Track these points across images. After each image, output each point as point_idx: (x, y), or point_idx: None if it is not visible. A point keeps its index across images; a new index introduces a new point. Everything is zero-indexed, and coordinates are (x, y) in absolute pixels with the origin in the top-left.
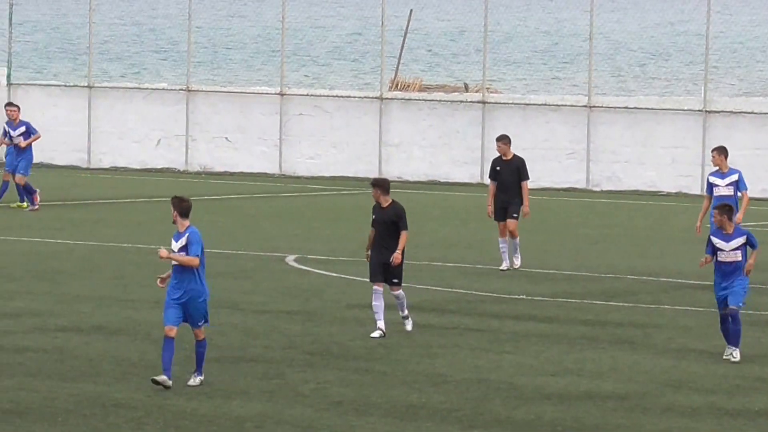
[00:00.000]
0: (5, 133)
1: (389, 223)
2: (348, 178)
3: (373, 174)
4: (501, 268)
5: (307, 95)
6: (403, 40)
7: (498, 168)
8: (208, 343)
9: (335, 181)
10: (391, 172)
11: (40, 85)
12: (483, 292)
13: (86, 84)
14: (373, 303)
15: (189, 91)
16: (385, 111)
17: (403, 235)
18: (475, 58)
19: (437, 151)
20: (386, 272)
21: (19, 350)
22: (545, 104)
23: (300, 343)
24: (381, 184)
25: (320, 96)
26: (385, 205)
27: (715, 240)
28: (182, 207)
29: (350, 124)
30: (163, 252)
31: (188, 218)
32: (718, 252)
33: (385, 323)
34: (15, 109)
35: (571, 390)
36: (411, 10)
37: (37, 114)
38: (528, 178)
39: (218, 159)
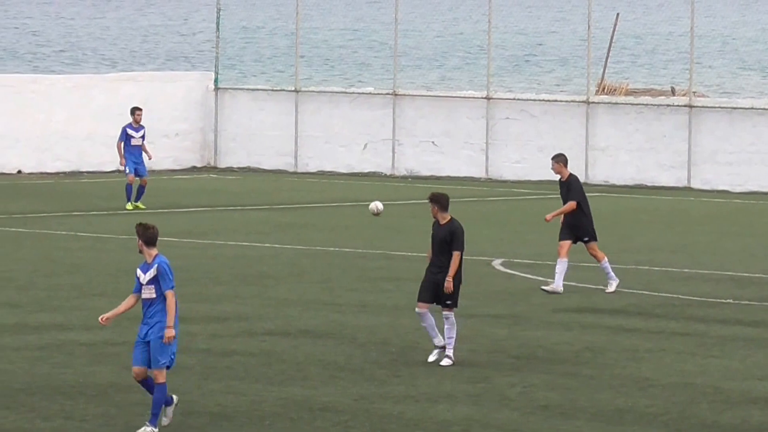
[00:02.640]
0: (126, 137)
1: (444, 242)
2: (554, 182)
3: (580, 178)
4: (545, 287)
5: (514, 99)
6: (610, 44)
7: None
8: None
9: (541, 185)
10: (597, 176)
11: (247, 89)
12: (689, 296)
13: (293, 88)
14: (421, 324)
15: (395, 95)
16: (592, 115)
17: (455, 256)
18: (681, 60)
19: (644, 155)
20: (438, 293)
21: (227, 354)
22: (752, 108)
23: (506, 347)
24: (439, 200)
25: (527, 100)
26: (443, 222)
27: None
28: (147, 235)
29: (556, 128)
30: (169, 333)
31: (156, 247)
32: None
33: (594, 327)
34: (140, 113)
35: None
36: (618, 14)
37: (244, 118)
38: (573, 199)
39: (424, 163)
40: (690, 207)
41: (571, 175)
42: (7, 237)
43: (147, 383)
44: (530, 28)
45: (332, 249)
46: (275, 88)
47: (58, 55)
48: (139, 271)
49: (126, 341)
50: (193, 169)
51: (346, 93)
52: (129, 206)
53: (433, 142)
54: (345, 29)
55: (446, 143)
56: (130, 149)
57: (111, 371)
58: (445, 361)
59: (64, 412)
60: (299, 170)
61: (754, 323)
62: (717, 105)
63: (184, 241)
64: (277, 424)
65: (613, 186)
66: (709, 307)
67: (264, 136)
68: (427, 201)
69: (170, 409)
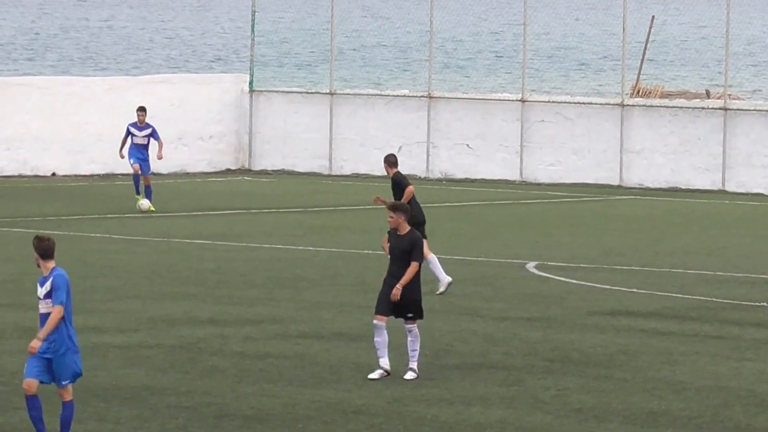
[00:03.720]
0: (129, 134)
1: (405, 253)
2: (589, 185)
3: (614, 181)
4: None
5: (549, 102)
6: (645, 47)
7: None
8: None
9: (576, 188)
10: (631, 179)
11: (282, 92)
12: (723, 300)
13: (328, 90)
14: (375, 339)
15: (430, 97)
16: (626, 118)
17: (413, 266)
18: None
19: (678, 157)
20: (398, 306)
21: (261, 356)
22: None
23: (540, 350)
24: (402, 210)
25: (561, 103)
26: (402, 233)
27: None
28: (42, 248)
29: (591, 130)
30: (34, 344)
31: (53, 259)
32: None
33: (627, 330)
34: (144, 113)
35: None
36: (653, 17)
37: (279, 121)
38: (403, 197)
39: (459, 166)
40: (724, 210)
41: (395, 173)
42: None
43: (36, 402)
44: (565, 30)
45: (366, 252)
46: (310, 91)
47: (104, 59)
48: (38, 286)
49: (160, 344)
50: (228, 172)
51: (381, 95)
52: (138, 198)
53: (467, 145)
54: (382, 31)
55: (481, 146)
56: (133, 147)
57: (145, 374)
58: (409, 375)
59: (98, 415)
60: (334, 173)
61: None
62: (752, 108)
63: (218, 244)
64: (311, 426)
65: (648, 189)
66: (743, 310)
67: (299, 138)
68: (388, 210)
69: None
